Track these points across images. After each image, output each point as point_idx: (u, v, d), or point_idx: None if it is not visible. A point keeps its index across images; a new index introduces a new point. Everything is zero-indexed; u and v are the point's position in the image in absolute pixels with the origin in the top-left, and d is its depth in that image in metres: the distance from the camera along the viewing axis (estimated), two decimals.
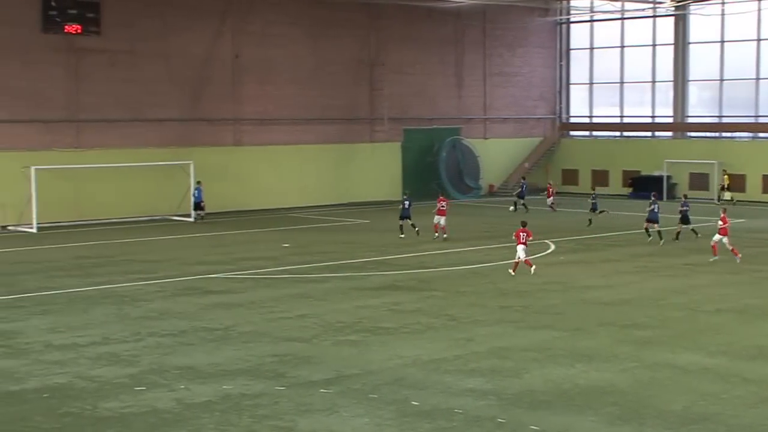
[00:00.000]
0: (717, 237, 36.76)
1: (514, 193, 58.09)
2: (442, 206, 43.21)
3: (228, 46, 56.73)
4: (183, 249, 41.18)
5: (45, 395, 19.04)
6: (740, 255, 36.12)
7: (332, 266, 35.86)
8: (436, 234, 43.05)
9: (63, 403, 18.51)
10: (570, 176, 69.97)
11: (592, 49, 70.87)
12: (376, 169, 62.62)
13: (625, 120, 69.64)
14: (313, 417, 17.60)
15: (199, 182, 52.06)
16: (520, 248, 33.41)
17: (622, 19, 68.87)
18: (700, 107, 67.03)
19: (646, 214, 42.57)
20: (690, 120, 66.73)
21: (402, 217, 43.61)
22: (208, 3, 55.98)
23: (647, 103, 68.92)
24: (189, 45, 55.20)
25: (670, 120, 67.31)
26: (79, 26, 50.59)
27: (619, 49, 69.08)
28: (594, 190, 52.57)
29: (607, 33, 70.10)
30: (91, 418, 17.61)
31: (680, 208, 42.88)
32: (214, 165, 55.15)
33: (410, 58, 64.35)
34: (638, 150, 67.54)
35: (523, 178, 61.47)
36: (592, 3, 70.19)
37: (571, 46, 72.17)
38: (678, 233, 42.64)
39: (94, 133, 52.37)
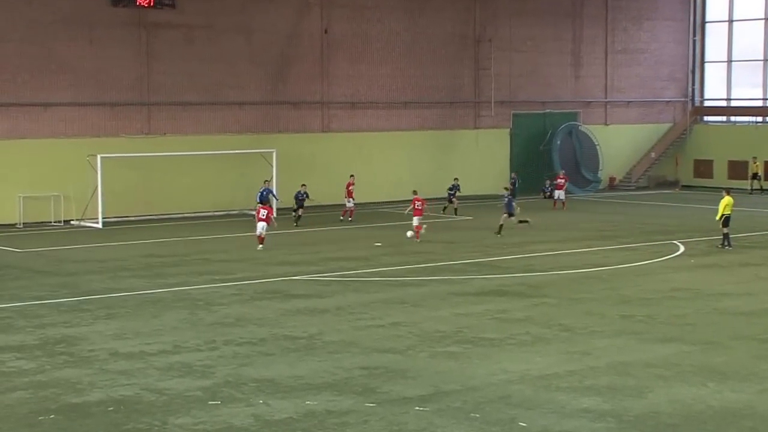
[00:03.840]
0: (415, 220, 42.60)
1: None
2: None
3: (316, 21, 57.05)
4: (263, 247, 41.54)
5: (110, 408, 19.33)
6: (420, 238, 41.61)
7: (429, 268, 35.96)
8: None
9: (129, 417, 18.78)
10: (704, 168, 69.02)
11: (731, 21, 69.94)
12: (481, 158, 62.52)
13: None
14: None
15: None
16: (260, 225, 40.23)
17: None
18: None
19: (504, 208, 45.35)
20: None
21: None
22: None
23: None
24: (273, 19, 55.62)
25: None
26: None
27: (763, 21, 68.10)
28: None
29: (748, 3, 69.14)
30: None
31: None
32: (300, 153, 55.54)
33: (521, 34, 64.10)
34: None
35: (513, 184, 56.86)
36: None
37: (707, 19, 71.31)
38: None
39: (167, 117, 53.08)
